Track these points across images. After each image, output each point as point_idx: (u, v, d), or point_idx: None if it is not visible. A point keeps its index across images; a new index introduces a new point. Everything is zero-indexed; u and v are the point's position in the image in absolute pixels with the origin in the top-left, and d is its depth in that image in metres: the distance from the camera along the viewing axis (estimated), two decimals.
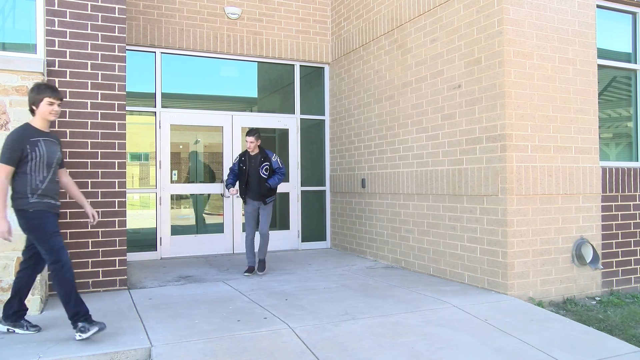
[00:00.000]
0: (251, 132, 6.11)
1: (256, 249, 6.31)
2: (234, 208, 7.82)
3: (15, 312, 3.90)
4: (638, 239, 5.77)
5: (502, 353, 3.58)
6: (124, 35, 5.34)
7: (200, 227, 7.84)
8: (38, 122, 3.83)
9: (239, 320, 4.15)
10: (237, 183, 6.26)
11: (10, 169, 3.65)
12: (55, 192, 3.88)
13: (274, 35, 7.99)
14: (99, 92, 5.22)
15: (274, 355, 3.46)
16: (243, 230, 7.94)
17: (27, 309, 4.03)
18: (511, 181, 4.98)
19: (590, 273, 5.43)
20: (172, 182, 7.50)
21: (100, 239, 5.16)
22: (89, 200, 5.13)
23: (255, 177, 6.11)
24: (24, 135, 3.71)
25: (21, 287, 3.92)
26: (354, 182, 7.72)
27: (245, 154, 6.26)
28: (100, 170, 5.19)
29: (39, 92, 3.77)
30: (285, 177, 6.08)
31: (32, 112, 3.82)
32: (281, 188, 8.18)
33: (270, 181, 6.12)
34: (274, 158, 6.23)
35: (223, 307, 4.56)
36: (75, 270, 4.99)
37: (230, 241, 7.82)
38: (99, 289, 5.15)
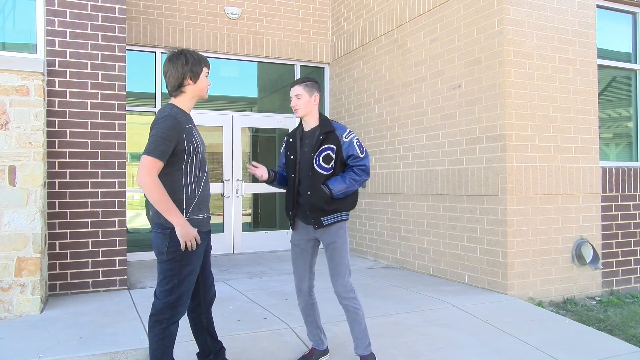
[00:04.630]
0: (297, 81, 3.27)
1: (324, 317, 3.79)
2: (233, 208, 7.82)
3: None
4: (638, 239, 5.77)
5: (502, 353, 3.59)
6: (124, 35, 5.34)
7: None
8: (188, 103, 2.84)
9: (239, 320, 4.15)
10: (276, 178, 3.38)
11: (161, 164, 2.70)
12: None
13: (274, 35, 7.99)
14: (99, 92, 5.22)
15: (274, 355, 3.47)
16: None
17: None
18: (511, 181, 4.98)
19: (590, 273, 5.43)
20: None
21: (100, 239, 5.16)
22: (89, 200, 5.14)
23: (306, 174, 3.22)
24: (180, 121, 2.70)
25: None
26: None
27: (296, 131, 3.36)
28: (100, 170, 5.19)
29: (199, 61, 2.80)
30: (366, 174, 3.28)
31: (179, 88, 2.79)
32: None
33: (333, 183, 3.18)
34: (347, 137, 3.23)
35: (223, 307, 4.56)
36: (75, 270, 5.06)
37: (230, 241, 7.81)
38: (99, 289, 5.15)
